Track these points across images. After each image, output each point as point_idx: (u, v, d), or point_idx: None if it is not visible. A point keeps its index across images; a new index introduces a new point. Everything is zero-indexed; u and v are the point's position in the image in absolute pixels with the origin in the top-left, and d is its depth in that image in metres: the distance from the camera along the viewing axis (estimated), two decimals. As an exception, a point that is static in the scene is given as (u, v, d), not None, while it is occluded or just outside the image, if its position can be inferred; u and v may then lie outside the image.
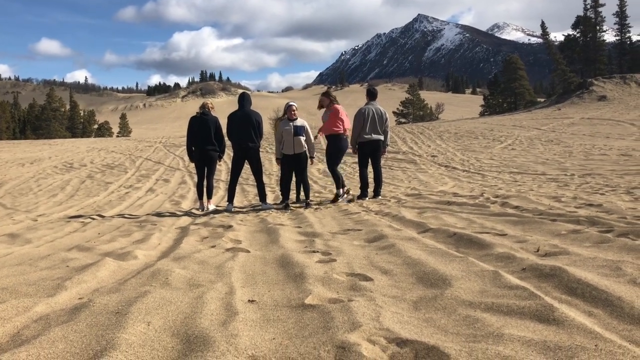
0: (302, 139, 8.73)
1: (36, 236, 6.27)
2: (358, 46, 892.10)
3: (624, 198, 7.27)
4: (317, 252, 4.34)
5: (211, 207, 9.05)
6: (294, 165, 8.89)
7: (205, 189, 9.08)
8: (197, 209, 9.09)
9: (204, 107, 9.16)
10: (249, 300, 2.87)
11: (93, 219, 8.23)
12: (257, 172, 9.03)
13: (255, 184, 9.23)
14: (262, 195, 9.07)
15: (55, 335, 2.34)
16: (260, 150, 10.03)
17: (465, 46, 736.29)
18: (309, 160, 8.96)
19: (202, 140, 8.88)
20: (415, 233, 5.16)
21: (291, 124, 8.76)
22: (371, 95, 9.68)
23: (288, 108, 8.86)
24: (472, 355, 1.95)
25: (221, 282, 3.29)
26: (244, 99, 8.95)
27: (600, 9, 66.67)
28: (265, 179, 16.64)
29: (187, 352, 2.13)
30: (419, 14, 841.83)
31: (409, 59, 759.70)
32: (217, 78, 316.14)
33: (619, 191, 8.28)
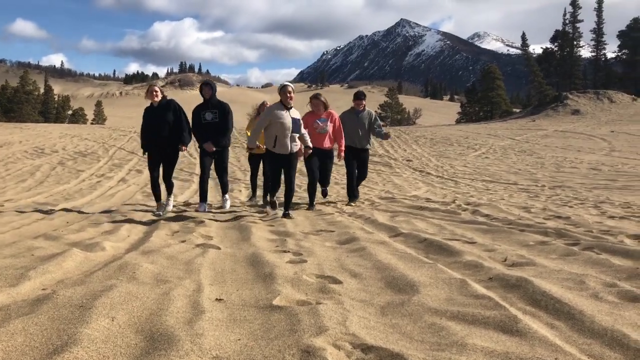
0: (297, 136, 6.98)
1: (1, 222, 6.12)
2: (340, 47, 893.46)
3: (591, 212, 7.43)
4: (288, 252, 4.33)
5: (170, 205, 7.63)
6: (284, 164, 6.98)
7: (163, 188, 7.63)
8: (155, 213, 7.15)
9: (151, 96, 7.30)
10: (216, 299, 2.85)
11: (62, 207, 8.08)
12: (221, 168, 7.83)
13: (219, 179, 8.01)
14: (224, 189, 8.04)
15: (15, 327, 2.29)
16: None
17: (445, 53, 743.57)
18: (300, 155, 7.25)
19: (154, 131, 7.25)
20: (387, 237, 5.19)
21: (289, 114, 6.79)
22: None
23: (283, 89, 6.82)
24: (436, 363, 1.97)
25: (189, 279, 3.26)
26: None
27: (578, 25, 68.14)
28: (240, 174, 16.56)
29: (151, 350, 2.11)
30: (401, 19, 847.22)
31: (389, 62, 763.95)
32: (196, 70, 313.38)
33: (587, 204, 8.46)
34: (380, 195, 10.39)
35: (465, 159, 21.80)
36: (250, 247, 4.56)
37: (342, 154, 8.12)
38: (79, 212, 7.44)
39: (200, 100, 7.73)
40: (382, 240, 4.91)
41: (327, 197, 8.51)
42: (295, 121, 6.84)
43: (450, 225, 5.92)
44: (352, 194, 8.66)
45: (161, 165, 7.45)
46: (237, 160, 20.58)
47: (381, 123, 9.18)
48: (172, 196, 7.84)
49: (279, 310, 2.62)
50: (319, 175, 7.88)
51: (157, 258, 3.92)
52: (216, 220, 6.54)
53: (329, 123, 7.85)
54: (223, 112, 7.55)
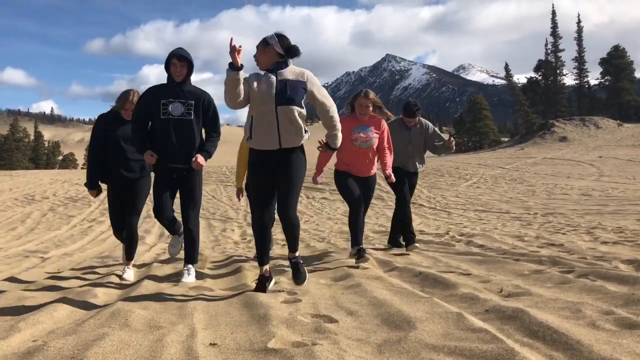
0: (296, 111, 3.87)
1: (-9, 272, 6.04)
2: (328, 83, 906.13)
3: (584, 238, 7.45)
4: (283, 291, 4.28)
5: (128, 272, 5.24)
6: (275, 175, 3.98)
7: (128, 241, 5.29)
8: (120, 275, 5.25)
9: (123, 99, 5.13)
10: (210, 344, 2.80)
11: (54, 254, 7.99)
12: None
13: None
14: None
15: (5, 382, 2.23)
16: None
17: (432, 86, 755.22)
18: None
19: (116, 157, 5.14)
20: (382, 272, 5.16)
21: (273, 76, 3.86)
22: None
23: (269, 41, 3.90)
24: (435, 402, 1.94)
25: (183, 324, 3.21)
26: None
27: (560, 54, 69.84)
28: (232, 213, 16.46)
29: (144, 400, 2.06)
30: (387, 54, 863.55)
31: (377, 97, 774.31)
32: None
33: (580, 231, 8.48)
34: (373, 229, 10.38)
35: (456, 189, 21.88)
36: (244, 287, 4.51)
37: (390, 172, 5.66)
38: (71, 258, 7.37)
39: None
40: (377, 275, 4.88)
41: (363, 259, 5.38)
42: (286, 82, 3.84)
43: (445, 257, 5.90)
44: (409, 236, 6.49)
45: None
46: (229, 199, 20.54)
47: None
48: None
49: (274, 353, 2.58)
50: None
51: (150, 303, 3.87)
52: (209, 261, 6.49)
53: (373, 133, 5.40)
54: (203, 105, 4.63)
